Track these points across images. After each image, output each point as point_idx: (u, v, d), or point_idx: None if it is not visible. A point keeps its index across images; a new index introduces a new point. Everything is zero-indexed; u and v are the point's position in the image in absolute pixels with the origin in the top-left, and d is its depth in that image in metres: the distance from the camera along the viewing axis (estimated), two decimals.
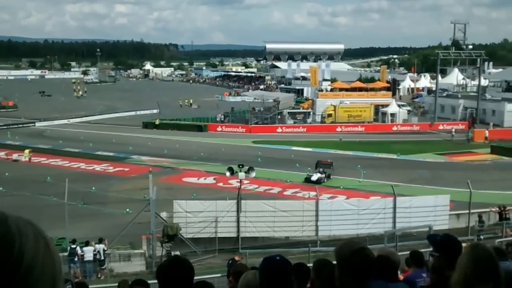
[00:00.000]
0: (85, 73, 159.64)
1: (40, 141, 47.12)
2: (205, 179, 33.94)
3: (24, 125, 57.90)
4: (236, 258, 14.51)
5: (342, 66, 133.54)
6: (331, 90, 65.03)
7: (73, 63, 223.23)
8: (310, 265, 5.02)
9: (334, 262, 3.26)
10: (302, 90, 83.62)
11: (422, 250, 7.40)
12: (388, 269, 3.73)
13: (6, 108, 71.66)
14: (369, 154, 42.22)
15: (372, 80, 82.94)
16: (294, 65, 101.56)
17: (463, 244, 3.53)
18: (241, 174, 22.85)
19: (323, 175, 32.30)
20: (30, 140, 47.02)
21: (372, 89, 64.46)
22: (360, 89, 64.63)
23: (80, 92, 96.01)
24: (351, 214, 22.56)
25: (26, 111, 66.87)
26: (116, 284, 9.42)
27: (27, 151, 39.56)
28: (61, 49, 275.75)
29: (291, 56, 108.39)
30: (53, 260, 0.97)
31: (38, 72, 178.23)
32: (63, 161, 39.25)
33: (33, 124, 58.38)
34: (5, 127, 55.72)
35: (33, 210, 20.71)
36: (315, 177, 31.83)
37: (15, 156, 40.21)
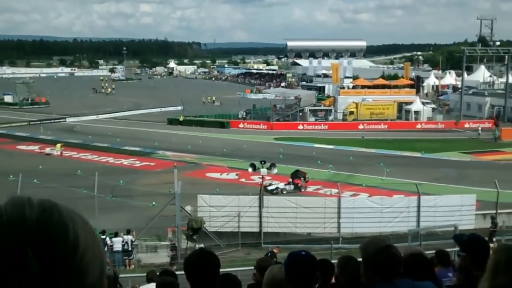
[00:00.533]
0: (112, 71, 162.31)
1: (70, 136, 48.43)
2: (227, 174, 34.17)
3: (55, 120, 59.80)
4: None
5: (364, 63, 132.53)
6: (353, 87, 64.61)
7: (101, 61, 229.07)
8: (333, 261, 5.01)
9: (359, 259, 3.24)
10: (324, 87, 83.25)
11: (447, 250, 7.31)
12: (424, 266, 3.67)
13: (39, 104, 73.70)
14: (392, 152, 41.81)
15: (395, 77, 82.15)
16: (315, 62, 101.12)
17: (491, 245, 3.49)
18: (263, 170, 22.99)
19: (286, 187, 29.28)
20: (62, 135, 48.53)
21: (396, 86, 63.68)
22: (383, 86, 63.88)
23: (109, 89, 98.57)
24: (373, 212, 22.44)
25: (57, 107, 68.66)
26: (145, 274, 9.61)
27: (58, 145, 41.06)
28: (89, 48, 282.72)
29: (313, 53, 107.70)
30: (99, 245, 0.98)
31: (68, 70, 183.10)
32: (93, 155, 40.35)
33: (64, 120, 60.19)
34: (38, 122, 57.71)
35: (65, 202, 20.92)
36: (272, 186, 29.00)
37: (47, 150, 41.58)
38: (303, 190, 29.45)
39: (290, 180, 29.93)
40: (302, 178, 30.02)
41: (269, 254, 10.95)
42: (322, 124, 55.50)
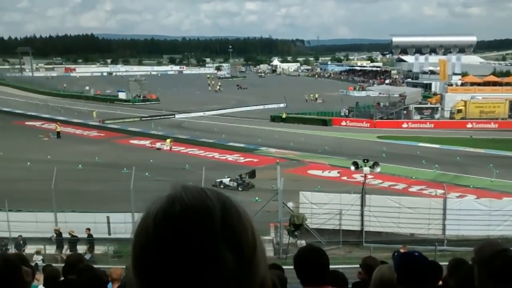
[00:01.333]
0: (218, 68, 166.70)
1: (179, 132, 50.59)
2: (329, 172, 34.11)
3: (165, 116, 62.52)
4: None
5: (474, 59, 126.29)
6: (462, 84, 62.06)
7: (208, 59, 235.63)
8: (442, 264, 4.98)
9: (470, 262, 3.23)
10: (430, 84, 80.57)
11: None
12: None
13: (150, 101, 77.61)
14: (503, 152, 39.69)
15: (507, 74, 77.83)
16: (421, 58, 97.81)
17: None
18: (366, 169, 22.73)
19: (231, 183, 29.16)
20: (171, 131, 50.72)
21: (508, 84, 60.46)
22: (494, 84, 60.92)
23: (217, 87, 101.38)
24: (481, 214, 21.48)
25: (166, 104, 71.98)
26: None
27: (168, 140, 43.03)
28: (197, 46, 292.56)
29: (419, 49, 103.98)
30: (259, 236, 1.01)
31: (177, 68, 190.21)
32: (200, 150, 41.88)
33: (173, 116, 62.96)
34: (149, 118, 60.63)
35: None
36: (218, 180, 29.02)
37: (158, 144, 43.77)
38: (240, 189, 28.89)
39: (239, 176, 29.82)
40: (238, 176, 29.70)
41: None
42: (428, 123, 53.88)
